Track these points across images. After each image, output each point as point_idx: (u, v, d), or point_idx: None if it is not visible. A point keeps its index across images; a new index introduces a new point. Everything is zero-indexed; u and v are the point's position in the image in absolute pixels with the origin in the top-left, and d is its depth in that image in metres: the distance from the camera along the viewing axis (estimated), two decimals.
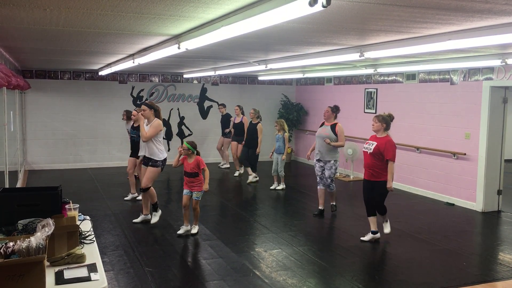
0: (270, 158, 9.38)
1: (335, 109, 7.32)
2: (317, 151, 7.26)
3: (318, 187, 7.39)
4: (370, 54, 5.20)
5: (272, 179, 9.47)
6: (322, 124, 7.38)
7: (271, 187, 9.34)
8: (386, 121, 5.98)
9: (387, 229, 6.16)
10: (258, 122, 9.80)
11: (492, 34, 3.77)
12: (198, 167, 6.07)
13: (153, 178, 6.71)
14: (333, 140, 7.12)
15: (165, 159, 6.71)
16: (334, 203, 7.58)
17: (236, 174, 10.75)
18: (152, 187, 6.72)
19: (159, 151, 6.64)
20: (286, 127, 9.23)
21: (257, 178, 9.97)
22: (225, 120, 11.63)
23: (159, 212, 6.86)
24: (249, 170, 9.97)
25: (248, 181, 9.94)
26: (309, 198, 8.69)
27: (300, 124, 13.12)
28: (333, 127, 7.20)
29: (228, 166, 11.86)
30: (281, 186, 9.32)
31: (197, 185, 6.14)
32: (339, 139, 7.16)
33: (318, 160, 7.27)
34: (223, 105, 11.81)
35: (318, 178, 7.34)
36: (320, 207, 7.41)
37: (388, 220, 6.18)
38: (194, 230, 6.36)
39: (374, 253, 5.82)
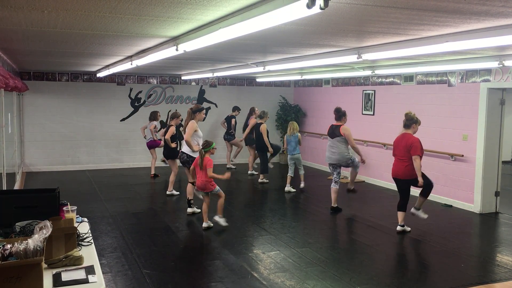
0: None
1: None
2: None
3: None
4: (367, 56, 5.21)
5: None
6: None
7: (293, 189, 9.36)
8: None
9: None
10: (261, 122, 9.96)
11: (489, 36, 3.78)
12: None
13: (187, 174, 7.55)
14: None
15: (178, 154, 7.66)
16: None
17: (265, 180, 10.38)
18: (189, 184, 7.41)
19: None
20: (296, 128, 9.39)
21: (266, 180, 10.16)
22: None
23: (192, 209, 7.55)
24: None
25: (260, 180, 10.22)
26: (308, 199, 8.69)
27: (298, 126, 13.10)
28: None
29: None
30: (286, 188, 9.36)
31: None
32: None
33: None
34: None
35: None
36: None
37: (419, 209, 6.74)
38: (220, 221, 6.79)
39: (372, 255, 5.82)
